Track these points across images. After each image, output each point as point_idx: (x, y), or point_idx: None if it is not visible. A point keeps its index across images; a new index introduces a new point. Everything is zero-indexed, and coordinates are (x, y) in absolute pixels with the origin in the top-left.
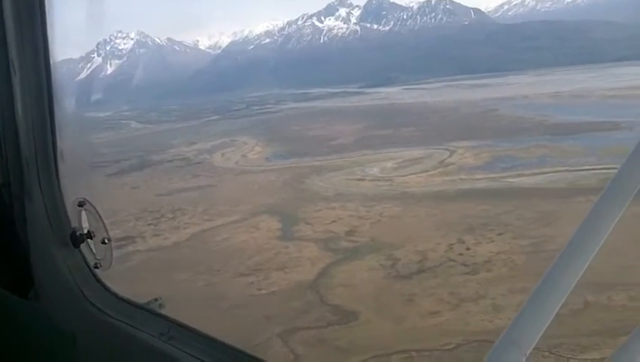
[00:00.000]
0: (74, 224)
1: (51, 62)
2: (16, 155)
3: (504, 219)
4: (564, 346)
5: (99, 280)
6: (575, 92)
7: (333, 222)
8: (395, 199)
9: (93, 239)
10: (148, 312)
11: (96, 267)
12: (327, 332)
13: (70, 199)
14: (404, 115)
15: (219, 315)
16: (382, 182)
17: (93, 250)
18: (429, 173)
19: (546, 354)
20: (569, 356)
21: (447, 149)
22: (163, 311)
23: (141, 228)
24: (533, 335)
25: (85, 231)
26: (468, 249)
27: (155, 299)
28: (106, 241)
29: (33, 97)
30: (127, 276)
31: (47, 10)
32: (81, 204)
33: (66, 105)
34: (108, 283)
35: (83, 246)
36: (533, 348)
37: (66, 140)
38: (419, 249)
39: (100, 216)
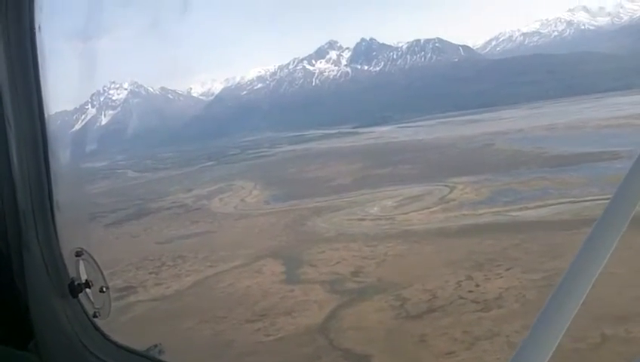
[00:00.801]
0: (72, 274)
1: (45, 115)
2: (14, 208)
3: (511, 253)
4: None
5: (98, 329)
6: (570, 124)
7: (338, 263)
8: (398, 237)
9: (92, 288)
10: (148, 359)
11: (95, 316)
12: None
13: (67, 249)
14: (401, 153)
15: None
16: (383, 221)
17: (92, 299)
18: (431, 209)
19: None
20: None
21: (446, 185)
22: (163, 358)
23: (142, 277)
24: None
25: (83, 281)
26: (477, 286)
27: (155, 346)
28: (104, 290)
29: (29, 150)
30: (130, 327)
31: (40, 63)
32: (78, 254)
33: (62, 156)
34: (108, 333)
35: (81, 295)
36: None
37: (62, 191)
38: (427, 287)
39: (98, 265)
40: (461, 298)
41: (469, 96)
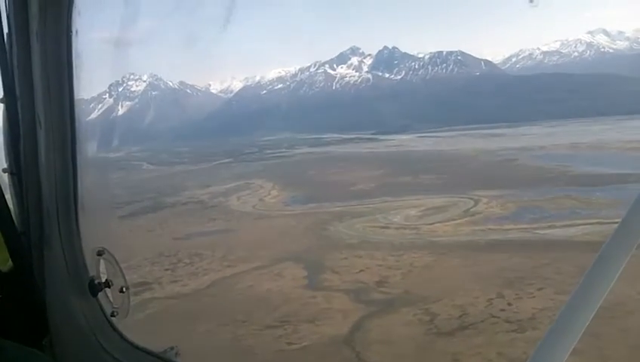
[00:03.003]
0: (92, 273)
1: (76, 114)
2: (38, 204)
3: (542, 272)
4: None
5: (115, 329)
6: (593, 143)
7: (362, 271)
8: (423, 248)
9: (111, 287)
10: (164, 361)
11: (112, 315)
12: None
13: (89, 247)
14: (422, 163)
15: None
16: (408, 231)
17: (111, 298)
18: (456, 221)
19: None
20: None
21: (470, 198)
22: (179, 360)
23: (157, 273)
24: None
25: (103, 280)
26: (509, 304)
27: (172, 348)
28: (124, 290)
29: (57, 149)
30: (145, 326)
31: (74, 66)
32: (100, 253)
33: (88, 151)
34: (125, 332)
35: (100, 294)
36: None
37: (88, 189)
38: (457, 303)
39: (119, 265)
40: (493, 316)
41: (491, 110)
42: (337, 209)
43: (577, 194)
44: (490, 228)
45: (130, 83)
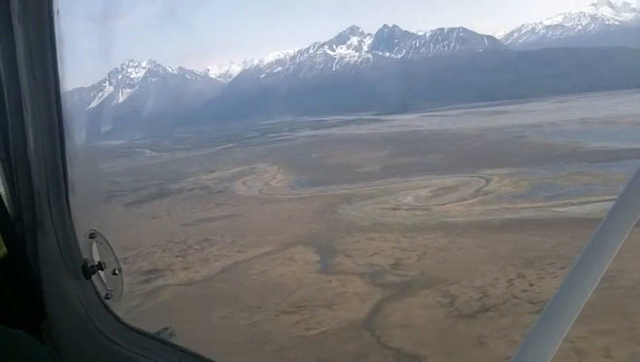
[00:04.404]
0: (85, 256)
1: (62, 98)
2: (29, 189)
3: (562, 251)
4: None
5: (110, 311)
6: (603, 118)
7: (375, 254)
8: (437, 229)
9: (104, 270)
10: (159, 342)
11: (107, 298)
12: None
13: (81, 231)
14: (428, 142)
15: (268, 359)
16: (419, 212)
17: (104, 280)
18: (468, 201)
19: None
20: None
21: (481, 177)
22: (173, 340)
23: (168, 260)
24: (545, 356)
25: (96, 263)
26: (531, 285)
27: (166, 328)
28: (117, 272)
29: (45, 132)
30: (159, 313)
31: (58, 47)
32: (92, 236)
33: (78, 136)
34: (119, 314)
35: (94, 277)
36: None
37: (77, 172)
38: (476, 284)
39: (111, 248)
40: (515, 297)
41: (495, 87)
42: (345, 191)
43: (591, 170)
44: (504, 207)
45: (129, 70)
